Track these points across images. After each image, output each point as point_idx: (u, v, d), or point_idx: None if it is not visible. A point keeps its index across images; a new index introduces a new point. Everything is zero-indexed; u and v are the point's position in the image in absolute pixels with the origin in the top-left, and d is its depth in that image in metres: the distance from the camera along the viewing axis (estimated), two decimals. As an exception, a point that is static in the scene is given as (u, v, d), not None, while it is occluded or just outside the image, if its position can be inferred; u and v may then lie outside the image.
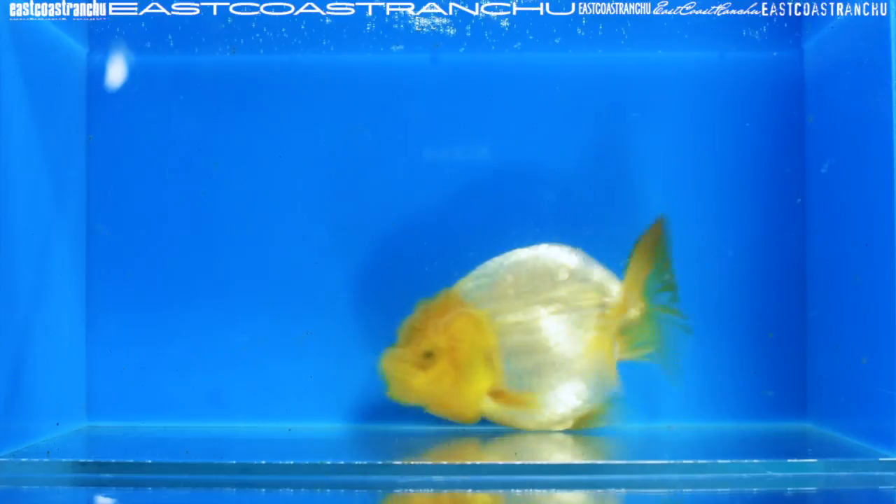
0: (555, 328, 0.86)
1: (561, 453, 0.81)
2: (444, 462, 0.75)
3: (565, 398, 0.86)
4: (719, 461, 0.75)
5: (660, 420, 0.93)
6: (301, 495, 0.70)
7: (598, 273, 0.87)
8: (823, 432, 0.89)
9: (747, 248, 0.94)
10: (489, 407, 0.86)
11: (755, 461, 0.75)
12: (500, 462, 0.75)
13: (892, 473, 0.74)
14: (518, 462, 0.75)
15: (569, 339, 0.86)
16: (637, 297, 0.87)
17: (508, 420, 0.87)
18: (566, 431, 0.87)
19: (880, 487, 0.72)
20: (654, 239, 0.87)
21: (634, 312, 0.87)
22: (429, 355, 0.85)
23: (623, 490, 0.72)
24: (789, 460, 0.75)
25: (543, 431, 0.87)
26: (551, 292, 0.86)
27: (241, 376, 0.93)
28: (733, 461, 0.75)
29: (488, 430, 0.88)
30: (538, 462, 0.75)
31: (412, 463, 0.75)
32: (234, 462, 0.75)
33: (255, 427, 0.92)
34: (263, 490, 0.71)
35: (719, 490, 0.71)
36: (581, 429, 0.88)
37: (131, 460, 0.75)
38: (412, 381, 0.85)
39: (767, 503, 0.70)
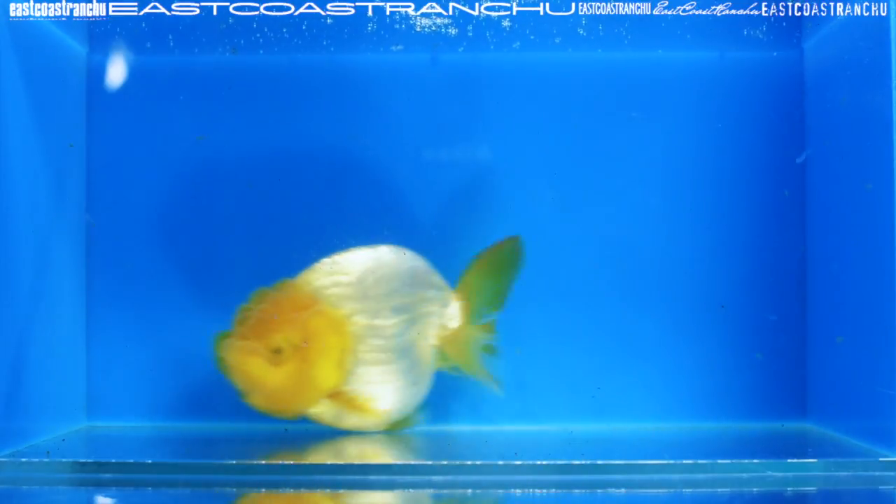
0: (405, 335, 0.85)
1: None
2: (445, 462, 0.75)
3: (388, 400, 0.85)
4: (719, 461, 0.75)
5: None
6: (301, 496, 0.71)
7: (436, 279, 0.87)
8: (823, 432, 0.89)
9: (746, 248, 0.94)
10: (320, 407, 0.84)
11: (755, 461, 0.75)
12: (500, 463, 0.75)
13: (892, 473, 0.74)
14: (518, 462, 0.75)
15: (414, 347, 0.85)
16: (464, 307, 0.87)
17: (331, 420, 0.85)
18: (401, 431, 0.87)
19: (880, 487, 0.72)
20: (498, 256, 0.87)
21: (457, 322, 0.87)
22: (278, 351, 0.82)
23: (623, 490, 0.72)
24: (789, 460, 0.75)
25: (367, 433, 0.87)
26: (406, 297, 0.85)
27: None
28: (733, 461, 0.75)
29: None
30: (538, 462, 0.75)
31: (412, 463, 0.75)
32: (234, 462, 0.75)
33: (255, 427, 0.92)
34: (263, 490, 0.71)
35: (719, 490, 0.71)
36: (395, 430, 0.87)
37: (131, 460, 0.75)
38: (262, 376, 0.82)
39: (767, 503, 0.70)
